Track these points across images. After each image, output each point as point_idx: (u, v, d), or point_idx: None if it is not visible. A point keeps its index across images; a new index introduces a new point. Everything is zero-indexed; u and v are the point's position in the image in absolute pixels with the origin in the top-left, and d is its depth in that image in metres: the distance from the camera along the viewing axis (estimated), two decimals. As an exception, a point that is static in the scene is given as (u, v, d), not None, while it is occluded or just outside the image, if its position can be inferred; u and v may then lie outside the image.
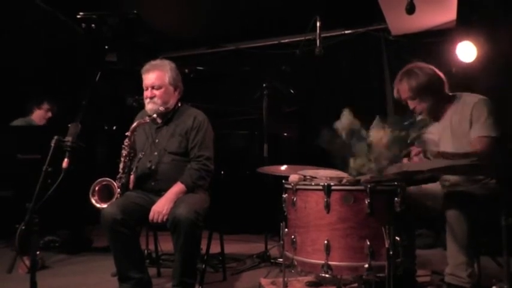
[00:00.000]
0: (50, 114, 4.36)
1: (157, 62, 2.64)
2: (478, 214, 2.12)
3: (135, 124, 2.57)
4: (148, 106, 2.58)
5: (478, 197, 2.19)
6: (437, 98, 2.41)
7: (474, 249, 2.16)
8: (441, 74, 2.44)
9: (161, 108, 2.58)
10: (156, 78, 2.58)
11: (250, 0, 4.68)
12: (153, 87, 2.57)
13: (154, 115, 2.58)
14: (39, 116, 4.30)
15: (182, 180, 2.47)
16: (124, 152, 2.54)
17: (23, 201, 1.94)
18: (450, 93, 2.44)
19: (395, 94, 2.50)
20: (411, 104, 2.44)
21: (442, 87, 2.41)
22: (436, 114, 2.45)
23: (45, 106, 4.32)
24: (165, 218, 2.34)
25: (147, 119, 2.57)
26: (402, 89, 2.43)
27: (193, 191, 2.48)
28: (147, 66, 2.62)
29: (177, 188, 2.46)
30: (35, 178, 1.91)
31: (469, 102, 2.34)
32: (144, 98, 2.63)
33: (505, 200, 2.02)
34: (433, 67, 2.46)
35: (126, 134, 2.55)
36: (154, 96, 2.56)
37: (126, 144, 2.54)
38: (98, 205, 2.50)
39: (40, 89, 4.90)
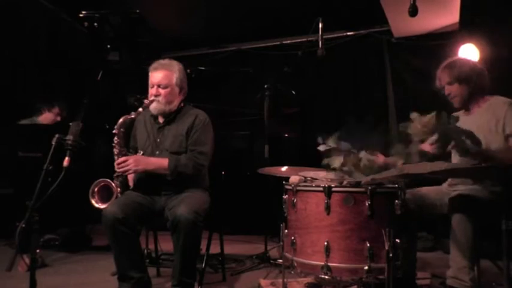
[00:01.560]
0: (58, 118, 4.21)
1: (166, 61, 2.65)
2: (482, 218, 2.12)
3: (121, 120, 2.54)
4: (152, 105, 2.57)
5: (481, 200, 2.19)
6: (474, 89, 2.45)
7: (476, 253, 2.16)
8: (486, 73, 2.49)
9: (164, 108, 2.58)
10: (164, 77, 2.58)
11: (253, 0, 4.68)
12: (159, 86, 2.57)
13: (151, 109, 2.58)
14: (47, 118, 4.14)
15: (169, 160, 2.48)
16: (115, 151, 2.53)
17: (23, 199, 1.94)
18: (488, 94, 2.48)
19: (437, 82, 2.54)
20: (448, 89, 2.49)
21: (481, 84, 2.45)
22: (467, 106, 2.50)
23: (56, 110, 4.18)
24: (124, 172, 2.46)
25: (133, 114, 2.54)
26: (443, 75, 2.50)
27: (173, 175, 2.47)
28: (155, 65, 2.62)
29: (162, 162, 2.48)
30: (36, 176, 1.91)
31: (502, 103, 2.38)
32: (148, 95, 2.63)
33: (507, 204, 2.02)
34: (480, 65, 2.53)
35: (113, 131, 2.53)
36: (159, 95, 2.57)
37: (115, 142, 2.53)
38: (98, 206, 2.50)
39: (41, 88, 4.90)
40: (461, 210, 2.12)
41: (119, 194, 2.49)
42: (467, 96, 2.46)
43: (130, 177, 2.60)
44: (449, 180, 2.51)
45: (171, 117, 2.64)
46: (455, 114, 2.60)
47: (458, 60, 2.54)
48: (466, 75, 2.44)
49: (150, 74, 2.62)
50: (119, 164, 2.47)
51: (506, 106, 2.35)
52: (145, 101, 2.57)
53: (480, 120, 2.39)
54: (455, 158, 2.41)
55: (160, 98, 2.56)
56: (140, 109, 2.55)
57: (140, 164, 2.48)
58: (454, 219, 2.13)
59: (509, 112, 2.32)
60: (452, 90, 2.48)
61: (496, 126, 2.32)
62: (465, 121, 2.46)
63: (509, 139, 2.29)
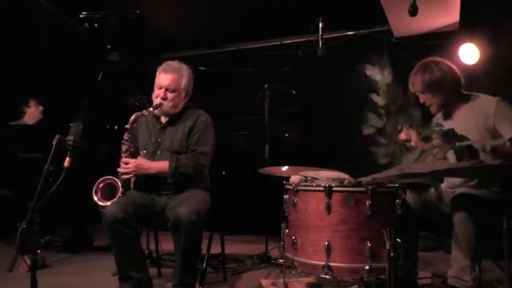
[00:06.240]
0: (41, 107, 4.29)
1: (176, 64, 2.66)
2: (484, 218, 2.11)
3: (133, 117, 2.56)
4: (158, 109, 2.58)
5: (483, 200, 2.18)
6: (449, 95, 2.38)
7: (477, 253, 2.15)
8: (458, 72, 2.41)
9: (169, 111, 2.60)
10: (173, 81, 2.59)
11: (253, 0, 4.68)
12: (167, 89, 2.58)
13: (155, 110, 2.59)
14: (31, 114, 4.21)
15: (169, 163, 2.48)
16: (124, 147, 2.54)
17: (24, 200, 1.94)
18: (465, 93, 2.42)
19: (409, 86, 2.47)
20: (422, 98, 2.43)
21: (456, 86, 2.38)
22: (446, 111, 2.45)
23: (33, 102, 4.26)
24: (125, 174, 2.48)
25: (145, 112, 2.57)
26: (415, 81, 2.42)
27: (173, 178, 2.47)
28: (165, 67, 2.63)
29: (162, 165, 2.48)
30: (37, 177, 1.91)
31: (488, 101, 2.31)
32: (154, 95, 2.63)
33: (507, 203, 2.02)
34: (451, 64, 2.43)
35: (126, 126, 2.55)
36: (166, 98, 2.58)
37: (125, 138, 2.55)
38: (99, 203, 2.49)
39: (41, 88, 4.90)
40: (463, 210, 2.11)
41: (121, 194, 2.49)
42: (443, 103, 2.40)
43: (132, 179, 2.60)
44: (446, 181, 2.50)
45: (174, 118, 2.65)
46: (436, 119, 2.55)
47: (428, 65, 2.42)
48: (438, 82, 2.35)
49: (158, 74, 2.63)
50: (123, 163, 2.50)
51: (493, 105, 2.27)
52: (156, 101, 2.59)
53: (466, 123, 2.33)
54: (453, 158, 2.40)
55: (166, 102, 2.58)
56: (151, 108, 2.57)
57: (141, 169, 2.49)
58: (456, 218, 2.12)
59: (498, 113, 2.25)
60: (427, 99, 2.41)
61: (485, 126, 2.27)
62: (451, 124, 2.37)
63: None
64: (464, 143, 1.96)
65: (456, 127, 2.35)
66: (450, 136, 2.02)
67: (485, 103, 2.32)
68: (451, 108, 2.43)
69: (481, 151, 1.93)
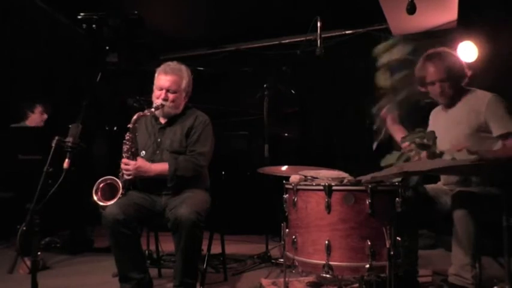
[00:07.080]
0: (45, 116, 4.23)
1: (176, 65, 2.65)
2: (483, 215, 2.11)
3: (135, 116, 2.55)
4: (159, 110, 2.58)
5: (483, 197, 2.18)
6: (459, 86, 2.38)
7: (478, 250, 2.16)
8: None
9: (170, 111, 2.60)
10: (173, 82, 2.59)
11: (251, 0, 4.69)
12: (167, 90, 2.58)
13: (156, 111, 2.59)
14: (34, 120, 4.16)
15: (169, 165, 2.48)
16: (125, 147, 2.53)
17: (24, 202, 1.94)
18: (466, 88, 2.42)
19: (419, 72, 2.42)
20: (438, 87, 2.36)
21: (463, 78, 2.39)
22: (448, 102, 2.43)
23: (39, 109, 4.20)
24: (125, 173, 2.48)
25: (147, 112, 2.57)
26: (436, 68, 2.34)
27: (172, 181, 2.47)
28: (165, 68, 2.63)
29: (161, 167, 2.48)
30: (36, 179, 1.91)
31: (482, 97, 2.31)
32: (154, 97, 2.63)
33: (506, 200, 2.02)
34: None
35: (128, 125, 2.54)
36: (167, 99, 2.57)
37: (127, 138, 2.54)
38: (100, 203, 2.48)
39: (39, 90, 4.90)
40: (463, 207, 2.11)
41: (121, 195, 2.49)
42: (453, 92, 2.38)
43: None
44: (443, 179, 2.50)
45: (173, 118, 2.65)
46: (435, 110, 2.58)
47: (450, 52, 2.39)
48: (459, 71, 2.34)
49: (158, 76, 2.63)
50: (124, 164, 2.49)
51: (486, 101, 2.27)
52: (156, 102, 2.58)
53: (458, 116, 2.35)
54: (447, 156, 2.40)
55: (168, 103, 2.58)
56: (153, 109, 2.57)
57: (140, 171, 2.48)
58: (456, 215, 2.12)
59: (490, 110, 2.25)
60: (443, 88, 2.36)
61: (476, 121, 2.27)
62: (445, 117, 2.44)
63: (503, 140, 2.23)
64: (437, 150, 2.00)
65: (449, 119, 2.39)
66: (422, 145, 2.05)
67: (478, 98, 2.33)
68: (453, 99, 2.42)
69: (451, 157, 1.93)
